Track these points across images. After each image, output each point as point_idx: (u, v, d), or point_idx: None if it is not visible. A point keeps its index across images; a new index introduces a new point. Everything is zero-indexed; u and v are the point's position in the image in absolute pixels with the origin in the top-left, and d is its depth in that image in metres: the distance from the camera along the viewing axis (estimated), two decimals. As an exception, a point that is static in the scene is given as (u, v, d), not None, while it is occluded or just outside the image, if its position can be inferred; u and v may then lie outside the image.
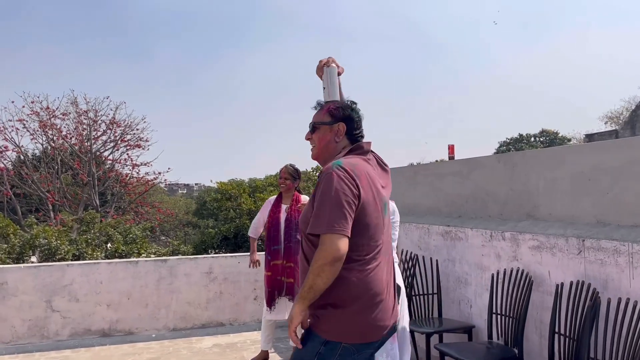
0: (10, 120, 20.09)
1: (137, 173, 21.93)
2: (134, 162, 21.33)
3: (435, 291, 4.71)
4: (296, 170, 4.67)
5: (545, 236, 3.65)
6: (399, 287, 3.81)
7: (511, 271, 3.87)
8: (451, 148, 5.25)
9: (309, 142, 2.32)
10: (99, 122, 21.34)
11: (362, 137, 2.30)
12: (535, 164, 3.97)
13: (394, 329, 2.16)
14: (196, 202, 28.37)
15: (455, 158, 5.33)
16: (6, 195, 19.84)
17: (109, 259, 11.02)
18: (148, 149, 21.80)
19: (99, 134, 21.25)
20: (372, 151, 2.33)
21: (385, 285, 2.11)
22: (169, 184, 27.95)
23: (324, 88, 2.38)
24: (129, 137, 21.71)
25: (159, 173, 21.77)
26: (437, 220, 4.99)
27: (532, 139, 41.81)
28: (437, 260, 4.75)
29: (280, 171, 4.67)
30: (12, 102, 22.20)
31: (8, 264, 10.41)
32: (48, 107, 20.86)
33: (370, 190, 2.07)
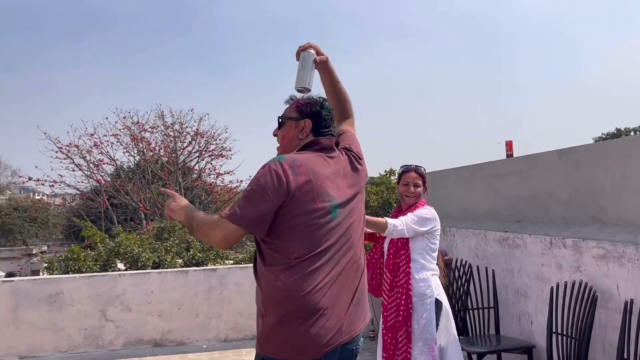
0: (106, 135, 21.37)
1: (222, 182, 22.62)
2: (218, 171, 21.98)
3: (491, 305, 4.22)
4: None
5: (612, 244, 3.09)
6: (439, 302, 3.42)
7: (573, 284, 3.34)
8: (509, 144, 4.71)
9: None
10: (184, 133, 22.17)
11: (332, 135, 2.11)
12: (601, 159, 3.41)
13: (349, 350, 1.89)
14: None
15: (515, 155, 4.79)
16: (102, 205, 21.09)
17: (187, 266, 11.26)
18: (230, 158, 22.36)
19: (184, 145, 22.07)
20: (346, 149, 2.12)
21: (335, 296, 1.86)
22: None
23: (297, 73, 2.18)
24: (212, 147, 22.42)
25: (241, 181, 22.28)
26: (495, 226, 4.49)
27: (633, 132, 38.04)
28: (493, 271, 4.25)
29: None
30: (107, 118, 23.62)
31: (96, 271, 10.95)
32: (138, 122, 21.98)
33: (312, 189, 1.87)
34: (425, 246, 3.48)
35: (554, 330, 3.39)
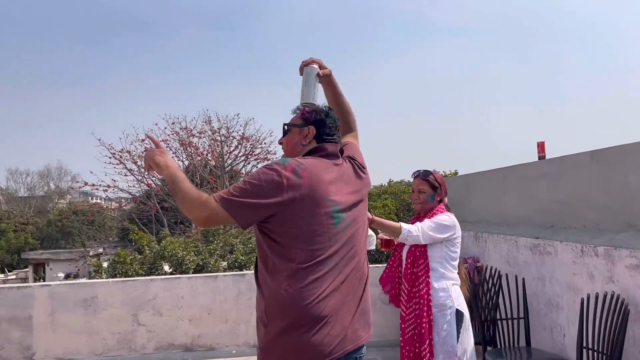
0: (156, 141, 21.97)
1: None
2: (265, 174, 22.18)
3: (522, 315, 4.00)
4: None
5: (645, 253, 2.86)
6: (460, 313, 3.27)
7: (605, 296, 3.11)
8: (541, 146, 4.45)
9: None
10: (231, 138, 22.50)
11: (336, 143, 2.11)
12: (635, 161, 3.16)
13: (353, 358, 1.88)
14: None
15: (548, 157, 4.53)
16: (153, 209, 21.69)
17: (231, 269, 11.39)
18: (275, 161, 22.56)
19: (231, 149, 22.42)
20: (350, 157, 2.14)
21: (339, 304, 1.85)
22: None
23: (302, 87, 2.24)
24: (258, 150, 22.70)
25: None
26: (527, 231, 4.26)
27: None
28: (523, 279, 4.04)
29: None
30: (156, 124, 24.31)
31: (142, 275, 11.23)
32: (186, 127, 22.49)
33: (314, 193, 1.86)
34: (444, 254, 3.33)
35: (584, 345, 3.16)
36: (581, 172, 3.69)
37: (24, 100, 65.96)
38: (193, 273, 11.30)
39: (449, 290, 3.27)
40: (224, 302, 5.61)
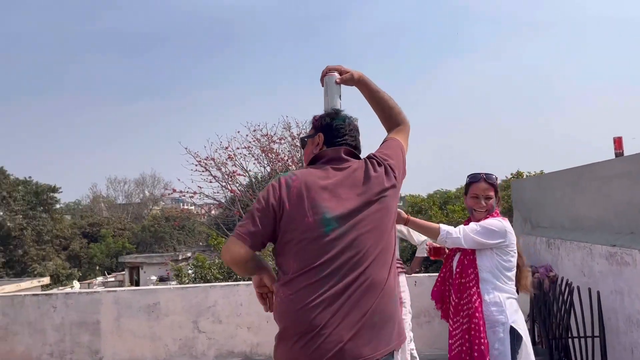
0: (238, 148, 22.62)
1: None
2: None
3: (597, 333, 3.54)
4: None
5: None
6: (515, 331, 2.91)
7: (689, 315, 2.65)
8: (618, 141, 3.93)
9: None
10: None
11: (347, 144, 2.04)
12: None
13: None
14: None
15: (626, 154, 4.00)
16: (236, 214, 22.29)
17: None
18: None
19: (311, 155, 22.55)
20: (370, 156, 2.04)
21: (334, 314, 1.74)
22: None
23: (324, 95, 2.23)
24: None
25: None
26: (602, 238, 3.79)
27: None
28: (598, 293, 3.58)
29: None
30: (238, 132, 25.01)
31: (220, 280, 11.51)
32: (267, 134, 22.97)
33: (303, 202, 1.83)
34: (496, 264, 2.98)
35: (665, 371, 2.72)
36: (663, 170, 3.20)
37: (119, 112, 70.68)
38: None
39: (503, 305, 2.92)
40: (282, 310, 5.52)
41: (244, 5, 72.97)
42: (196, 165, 21.72)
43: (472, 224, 2.99)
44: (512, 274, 3.03)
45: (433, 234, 2.96)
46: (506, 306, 2.91)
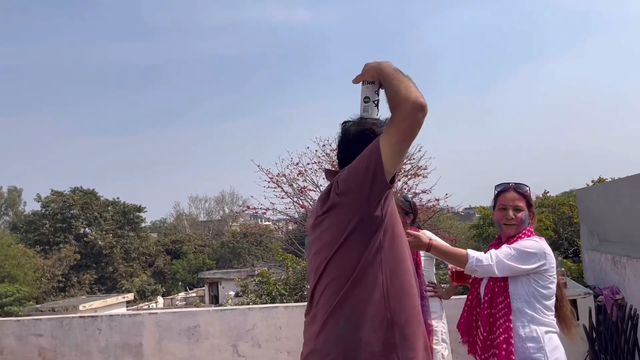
0: (309, 164, 22.70)
1: (419, 201, 22.11)
2: (414, 190, 21.54)
3: (666, 371, 2.97)
4: (407, 203, 3.58)
5: None
6: None
7: None
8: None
9: None
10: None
11: (340, 159, 2.01)
12: None
13: None
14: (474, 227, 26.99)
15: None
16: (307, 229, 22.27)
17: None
18: (427, 177, 21.83)
19: (378, 167, 22.17)
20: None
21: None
22: (451, 209, 27.46)
23: (377, 102, 2.00)
24: (407, 167, 22.10)
25: (437, 200, 21.46)
26: (672, 256, 3.21)
27: None
28: (666, 322, 3.01)
29: None
30: (308, 147, 25.15)
31: (284, 295, 11.41)
32: (336, 148, 22.79)
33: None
34: (532, 292, 2.56)
35: None
36: None
37: (198, 134, 73.76)
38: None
39: (541, 341, 2.48)
40: (323, 334, 5.23)
41: (311, 20, 74.03)
42: (268, 182, 22.02)
43: (505, 247, 2.59)
44: (552, 303, 2.58)
45: (460, 261, 2.59)
46: (545, 342, 2.48)
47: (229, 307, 6.37)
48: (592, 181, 11.64)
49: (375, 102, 1.95)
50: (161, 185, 72.48)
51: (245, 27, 75.55)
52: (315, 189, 23.37)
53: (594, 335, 3.50)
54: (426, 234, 3.11)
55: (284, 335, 5.31)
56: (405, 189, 22.54)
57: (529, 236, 2.63)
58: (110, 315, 5.77)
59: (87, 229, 34.84)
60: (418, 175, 22.00)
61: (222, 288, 28.45)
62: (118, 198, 36.24)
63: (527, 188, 2.72)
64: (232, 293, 27.24)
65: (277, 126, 71.60)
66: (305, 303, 5.80)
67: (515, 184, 2.73)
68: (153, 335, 5.53)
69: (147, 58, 74.60)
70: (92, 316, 5.82)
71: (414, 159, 22.13)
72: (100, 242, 33.70)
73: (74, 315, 5.92)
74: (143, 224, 37.36)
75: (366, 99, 1.94)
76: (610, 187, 4.66)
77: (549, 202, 12.04)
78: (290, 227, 29.86)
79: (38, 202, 35.94)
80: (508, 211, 2.67)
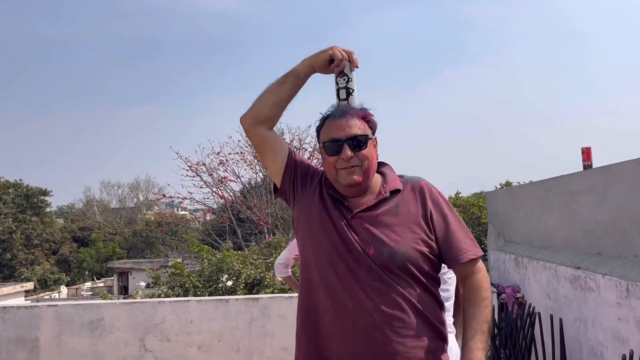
0: (230, 154, 22.24)
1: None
2: (325, 175, 21.78)
3: (558, 366, 3.17)
4: None
5: (703, 301, 2.03)
6: None
7: (651, 355, 2.28)
8: (586, 152, 3.57)
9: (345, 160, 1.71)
10: (303, 149, 22.30)
11: None
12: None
13: None
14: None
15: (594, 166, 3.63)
16: (226, 220, 21.93)
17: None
18: (349, 172, 22.12)
19: (303, 161, 22.17)
20: None
21: None
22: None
23: (350, 90, 1.84)
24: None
25: (358, 196, 21.85)
26: (568, 259, 3.42)
27: None
28: (561, 320, 3.20)
29: None
30: (230, 137, 24.75)
31: (198, 287, 11.10)
32: (260, 140, 22.48)
33: None
34: None
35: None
36: (630, 186, 2.84)
37: (114, 116, 70.54)
38: (245, 287, 11.02)
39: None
40: (235, 329, 5.13)
41: (243, 10, 72.93)
42: (187, 170, 21.31)
43: None
44: (450, 304, 2.65)
45: None
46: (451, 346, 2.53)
47: (137, 299, 6.11)
48: (500, 184, 12.30)
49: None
50: (71, 169, 68.69)
51: (171, 11, 72.98)
52: (236, 180, 22.92)
53: (496, 331, 3.68)
54: None
55: (195, 329, 5.15)
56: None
57: None
58: (4, 307, 5.34)
59: (-17, 213, 32.30)
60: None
61: (133, 278, 27.39)
62: (21, 180, 33.86)
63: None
64: (142, 284, 26.27)
65: (198, 114, 69.84)
66: (220, 297, 5.64)
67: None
68: (52, 328, 5.18)
69: (62, 31, 70.21)
70: (-18, 308, 5.37)
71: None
72: (-3, 227, 31.36)
73: (-38, 306, 5.43)
74: (48, 209, 35.13)
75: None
76: (516, 192, 4.92)
77: (460, 203, 12.59)
78: (207, 218, 29.28)
79: None
80: None
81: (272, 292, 9.72)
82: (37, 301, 15.07)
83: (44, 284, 29.27)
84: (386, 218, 1.67)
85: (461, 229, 1.69)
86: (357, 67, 1.84)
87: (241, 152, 21.58)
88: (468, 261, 1.65)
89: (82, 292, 27.46)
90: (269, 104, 1.82)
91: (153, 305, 5.24)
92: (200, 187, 21.41)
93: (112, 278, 29.59)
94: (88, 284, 29.28)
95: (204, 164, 21.39)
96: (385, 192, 1.71)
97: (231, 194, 22.58)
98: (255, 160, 22.03)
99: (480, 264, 1.69)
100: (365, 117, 1.75)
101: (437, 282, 1.72)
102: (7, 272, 30.35)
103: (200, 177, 21.26)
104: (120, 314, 5.19)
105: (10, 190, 32.23)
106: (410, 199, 1.71)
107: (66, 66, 69.93)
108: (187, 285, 11.12)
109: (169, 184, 27.92)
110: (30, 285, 20.50)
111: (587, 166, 3.58)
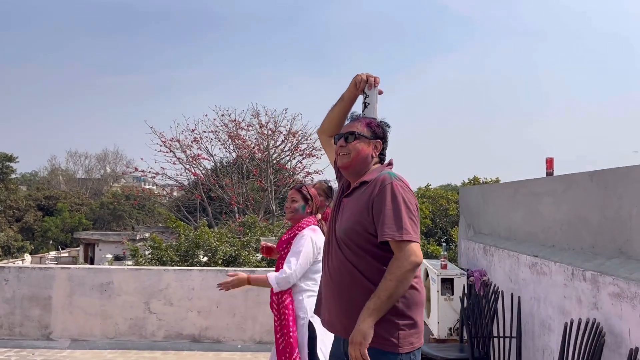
0: (205, 132, 22.45)
1: (311, 180, 22.88)
2: (307, 170, 22.24)
3: (514, 335, 3.91)
4: (329, 188, 4.15)
5: (626, 282, 2.75)
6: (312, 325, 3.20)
7: (586, 323, 3.00)
8: (549, 162, 4.30)
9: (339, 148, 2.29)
10: (277, 132, 22.63)
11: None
12: (628, 185, 3.03)
13: None
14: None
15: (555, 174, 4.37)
16: (197, 197, 22.20)
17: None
18: (320, 158, 22.61)
19: (277, 143, 22.53)
20: None
21: None
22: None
23: (367, 104, 2.41)
24: (303, 146, 22.72)
25: (329, 181, 22.37)
26: (529, 249, 4.15)
27: None
28: (519, 298, 3.94)
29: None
30: (206, 115, 24.86)
31: (176, 262, 11.55)
32: (235, 120, 22.80)
33: None
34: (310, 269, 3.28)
35: (563, 371, 3.07)
36: (582, 193, 3.56)
37: (83, 85, 69.03)
38: (223, 264, 11.50)
39: (303, 302, 3.21)
40: (232, 297, 5.73)
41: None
42: (161, 145, 21.40)
43: (290, 255, 3.22)
44: (319, 275, 3.05)
45: (267, 286, 3.24)
46: (306, 303, 3.20)
47: (145, 266, 6.62)
48: (469, 179, 13.12)
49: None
50: (36, 136, 67.02)
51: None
52: (209, 158, 23.14)
53: (465, 304, 4.40)
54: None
55: (196, 296, 5.74)
56: (299, 167, 23.12)
57: (303, 227, 3.30)
58: (20, 267, 5.79)
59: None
60: (312, 156, 22.69)
61: (99, 250, 27.47)
62: (-15, 145, 33.21)
63: (304, 186, 3.46)
64: (109, 256, 26.36)
65: (173, 88, 68.96)
66: (220, 267, 6.25)
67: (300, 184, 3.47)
68: (64, 289, 5.68)
69: (29, -6, 67.80)
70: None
71: (311, 139, 22.71)
72: (-40, 191, 30.78)
73: (-21, 265, 5.85)
74: (13, 175, 34.59)
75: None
76: (487, 189, 5.65)
77: (429, 194, 13.36)
78: (175, 194, 29.28)
79: None
80: (288, 202, 3.40)
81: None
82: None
83: (7, 251, 29.02)
84: (349, 202, 2.22)
85: (392, 216, 2.03)
86: (375, 87, 2.41)
87: (215, 131, 21.90)
88: (392, 241, 2.03)
89: (47, 261, 27.41)
90: (327, 121, 2.51)
91: (159, 272, 5.78)
92: (174, 164, 21.62)
93: (77, 249, 29.54)
94: (53, 253, 29.15)
95: (178, 140, 21.60)
96: (357, 184, 2.23)
97: (203, 171, 22.87)
98: (230, 140, 22.36)
99: (407, 247, 2.00)
100: (370, 124, 2.28)
101: (375, 253, 2.09)
102: (-31, 237, 29.93)
103: (174, 153, 21.48)
104: (128, 279, 5.72)
105: (-26, 155, 31.63)
106: (368, 190, 2.14)
107: (39, 27, 67.83)
108: (164, 259, 11.57)
109: (142, 159, 27.85)
110: (-5, 252, 20.45)
111: (549, 174, 4.30)
